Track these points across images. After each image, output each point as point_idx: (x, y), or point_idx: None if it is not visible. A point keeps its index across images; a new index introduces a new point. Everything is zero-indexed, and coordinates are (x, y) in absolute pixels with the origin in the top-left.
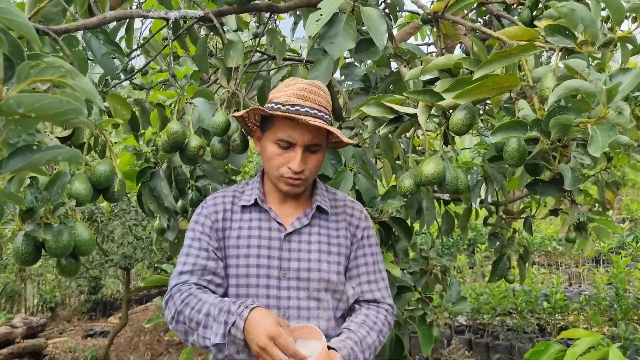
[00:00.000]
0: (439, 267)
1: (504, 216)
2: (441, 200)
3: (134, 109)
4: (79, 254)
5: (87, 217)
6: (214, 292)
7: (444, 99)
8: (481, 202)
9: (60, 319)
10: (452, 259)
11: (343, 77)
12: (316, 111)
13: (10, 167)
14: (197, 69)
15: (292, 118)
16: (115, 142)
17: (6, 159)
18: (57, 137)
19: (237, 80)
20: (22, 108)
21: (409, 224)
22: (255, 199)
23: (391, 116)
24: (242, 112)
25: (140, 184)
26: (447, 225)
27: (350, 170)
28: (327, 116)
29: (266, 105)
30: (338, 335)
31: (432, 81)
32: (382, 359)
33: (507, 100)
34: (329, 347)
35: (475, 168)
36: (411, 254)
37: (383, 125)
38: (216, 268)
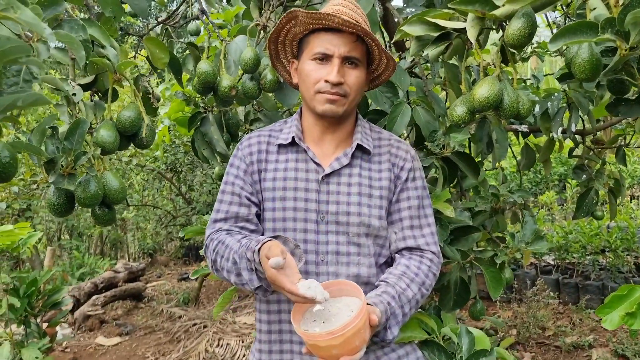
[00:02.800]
0: (518, 206)
1: (592, 146)
2: (519, 133)
3: (185, 53)
4: (111, 203)
5: (169, 168)
6: None
7: (498, 7)
8: (563, 132)
9: (158, 264)
10: (526, 195)
11: (404, 5)
12: (353, 23)
13: None
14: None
15: (327, 29)
16: (166, 88)
17: None
18: (80, 84)
19: (270, 11)
20: None
21: (478, 159)
22: (293, 138)
23: (436, 34)
24: (276, 24)
25: (192, 130)
26: (527, 159)
27: (408, 103)
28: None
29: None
30: (375, 288)
31: None
32: (446, 304)
33: (580, 6)
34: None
35: (556, 94)
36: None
37: (427, 46)
38: (248, 215)
